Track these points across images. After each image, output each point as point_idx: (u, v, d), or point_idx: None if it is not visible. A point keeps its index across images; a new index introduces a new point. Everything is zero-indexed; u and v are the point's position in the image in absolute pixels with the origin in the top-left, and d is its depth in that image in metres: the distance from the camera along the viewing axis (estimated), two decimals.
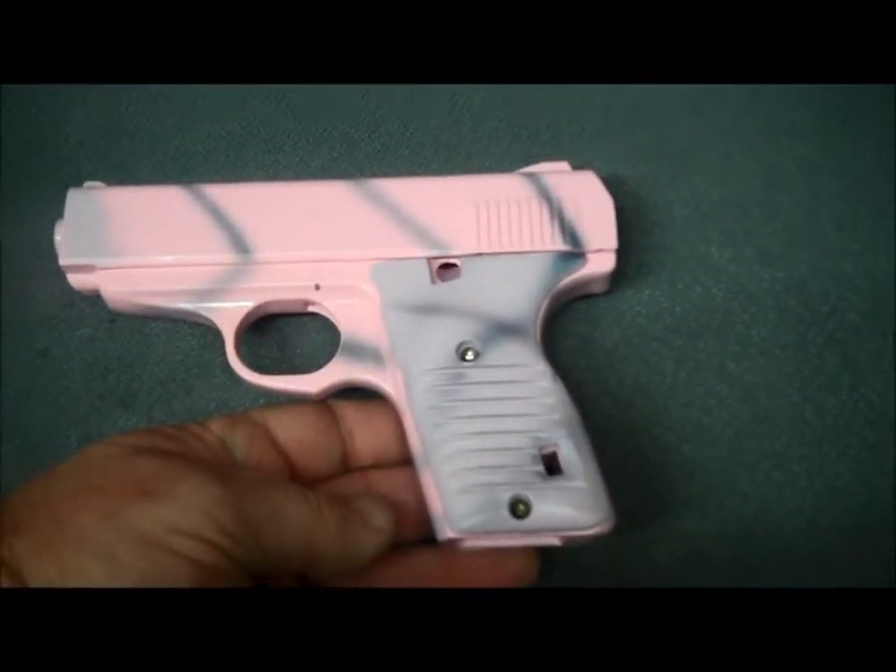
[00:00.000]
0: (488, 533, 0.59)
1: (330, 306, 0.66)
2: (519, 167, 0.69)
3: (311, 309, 0.68)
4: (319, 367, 0.65)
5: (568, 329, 0.69)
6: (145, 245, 0.65)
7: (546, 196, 0.65)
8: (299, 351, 0.70)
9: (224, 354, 0.66)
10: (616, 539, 0.63)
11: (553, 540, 0.60)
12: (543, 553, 0.63)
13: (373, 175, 0.70)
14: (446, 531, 0.59)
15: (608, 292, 0.69)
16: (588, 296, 0.69)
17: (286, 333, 0.70)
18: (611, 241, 0.65)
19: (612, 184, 0.67)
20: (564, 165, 0.68)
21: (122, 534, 0.52)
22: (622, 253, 0.66)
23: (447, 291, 0.63)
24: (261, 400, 0.68)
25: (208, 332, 0.68)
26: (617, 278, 0.68)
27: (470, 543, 0.60)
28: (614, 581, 0.65)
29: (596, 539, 0.60)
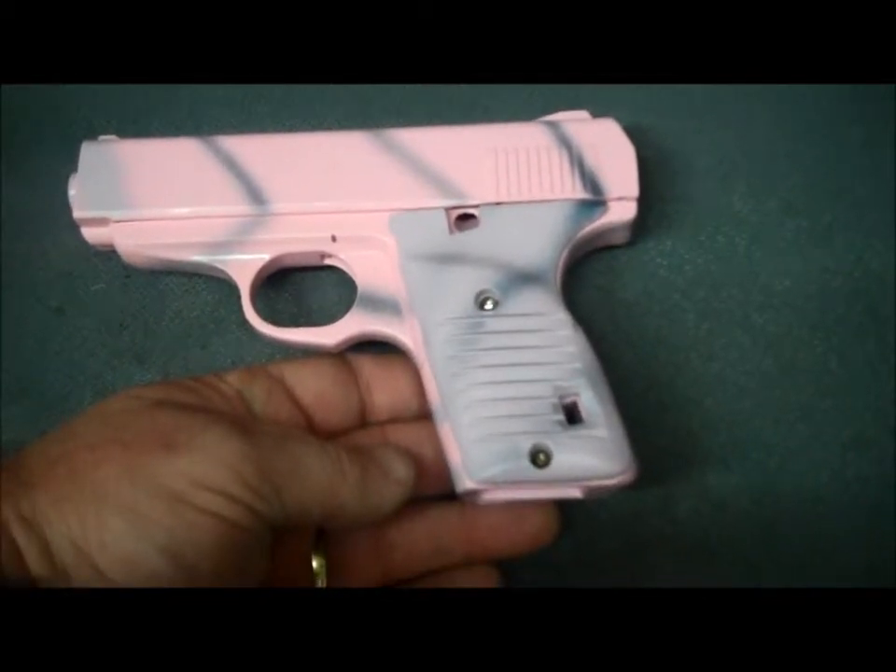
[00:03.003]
0: (508, 483, 0.60)
1: (347, 258, 0.67)
2: (538, 117, 0.70)
3: (327, 262, 0.69)
4: (336, 320, 0.66)
5: (589, 280, 0.70)
6: (159, 197, 0.66)
7: (566, 144, 0.66)
8: (315, 305, 0.71)
9: (240, 309, 0.67)
10: (637, 493, 0.65)
11: (575, 492, 0.61)
12: (563, 510, 0.64)
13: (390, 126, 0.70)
14: (465, 482, 0.60)
15: (629, 243, 0.70)
16: (609, 247, 0.70)
17: (302, 287, 0.71)
18: (633, 188, 0.66)
19: (634, 134, 0.68)
20: (584, 114, 0.69)
21: (145, 488, 0.53)
22: (643, 203, 0.67)
23: (466, 241, 0.64)
24: (277, 355, 0.70)
25: (224, 287, 0.70)
26: (638, 229, 0.69)
27: (490, 495, 0.61)
28: (634, 538, 0.66)
29: (618, 492, 0.61)
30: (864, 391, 0.68)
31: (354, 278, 0.67)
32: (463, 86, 0.75)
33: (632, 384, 0.68)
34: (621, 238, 0.69)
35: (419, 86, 0.75)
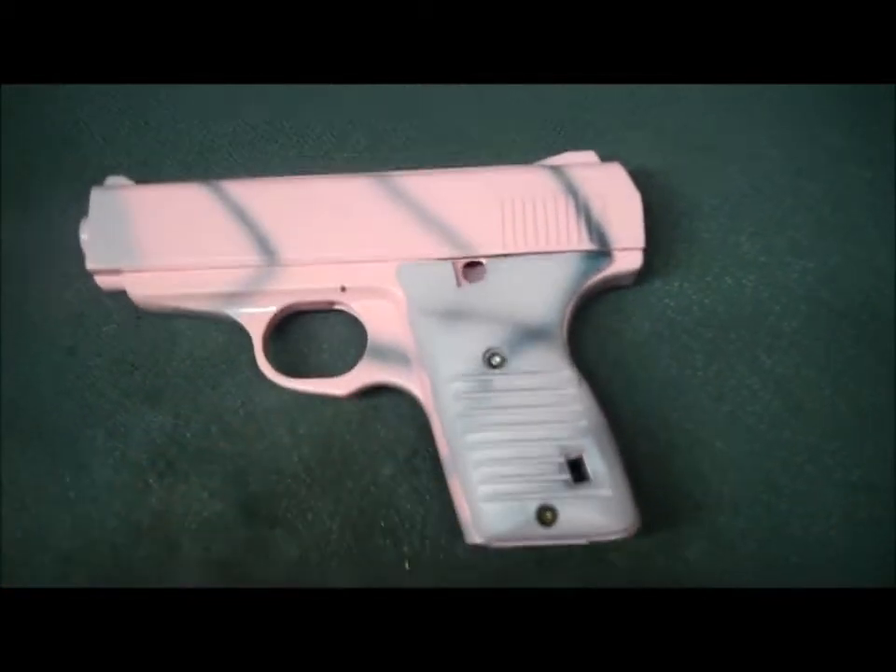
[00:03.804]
0: (516, 538, 0.62)
1: (357, 307, 0.68)
2: (545, 156, 0.70)
3: (337, 307, 0.69)
4: (346, 364, 0.69)
5: (597, 322, 0.71)
6: (170, 247, 0.68)
7: (572, 192, 0.67)
8: (325, 346, 0.72)
9: (250, 349, 0.69)
10: (647, 535, 0.66)
11: (580, 541, 0.63)
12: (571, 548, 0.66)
13: (398, 167, 0.71)
14: (475, 536, 0.62)
15: (636, 283, 0.70)
16: (616, 288, 0.71)
17: (311, 329, 0.72)
18: (639, 239, 0.67)
19: (640, 175, 0.69)
20: (591, 155, 0.70)
21: None
22: (649, 247, 0.68)
23: (473, 294, 0.65)
24: (286, 397, 0.70)
25: (234, 328, 0.71)
26: (646, 270, 0.70)
27: (498, 545, 0.63)
28: (644, 578, 0.67)
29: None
30: (872, 433, 0.69)
31: (365, 326, 0.68)
32: (472, 122, 0.76)
33: (642, 424, 0.69)
34: (626, 282, 0.70)
35: (429, 121, 0.76)
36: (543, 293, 0.65)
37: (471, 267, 0.67)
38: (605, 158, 0.70)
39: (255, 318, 0.68)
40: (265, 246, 0.67)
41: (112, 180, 0.71)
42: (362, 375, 0.67)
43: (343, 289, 0.67)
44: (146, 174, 0.73)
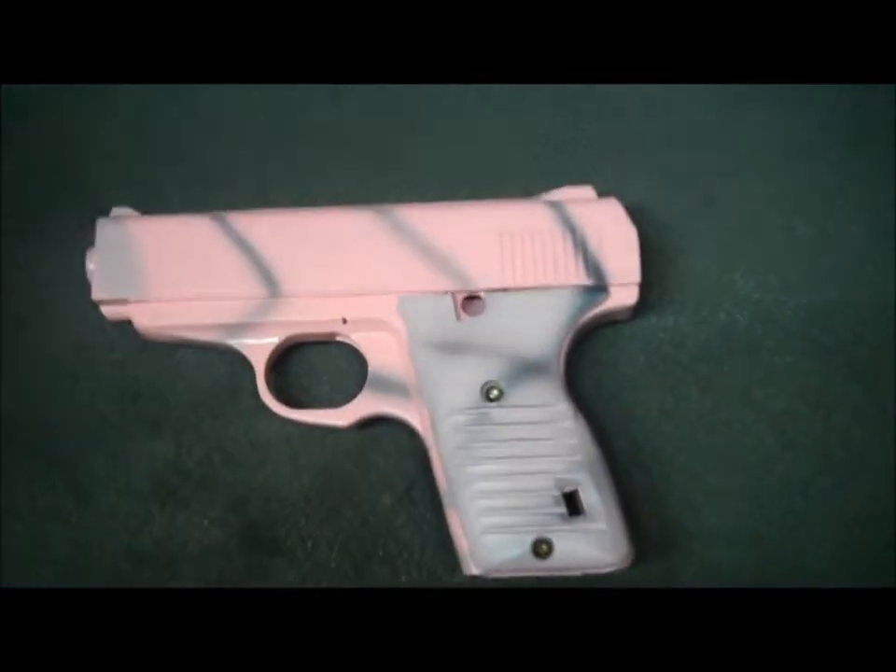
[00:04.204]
0: (512, 570, 0.63)
1: (358, 339, 0.70)
2: (544, 189, 0.72)
3: (339, 339, 0.71)
4: (347, 395, 0.70)
5: (593, 355, 0.73)
6: (175, 278, 0.69)
7: (570, 227, 0.68)
8: (326, 377, 0.73)
9: (252, 380, 0.70)
10: (640, 566, 0.67)
11: (575, 572, 0.64)
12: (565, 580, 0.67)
13: (399, 199, 0.73)
14: (472, 568, 0.64)
15: (632, 318, 0.72)
16: (613, 322, 0.72)
17: (312, 360, 0.73)
18: (635, 274, 0.68)
19: (637, 211, 0.71)
20: (588, 190, 0.71)
21: None
22: (645, 282, 0.69)
23: (472, 327, 0.67)
24: (289, 427, 0.72)
25: (237, 359, 0.72)
26: (641, 305, 0.71)
27: (495, 575, 0.64)
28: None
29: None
30: (864, 469, 0.70)
31: (366, 357, 0.69)
32: (474, 151, 0.77)
33: (636, 457, 0.71)
34: (622, 317, 0.71)
35: (430, 161, 0.78)
36: (541, 327, 0.67)
37: (471, 300, 0.68)
38: (602, 193, 0.71)
39: (257, 349, 0.69)
40: (268, 278, 0.69)
41: (117, 211, 0.72)
42: (362, 407, 0.68)
43: (345, 321, 0.69)
44: (146, 198, 0.75)
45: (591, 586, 0.66)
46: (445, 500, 0.65)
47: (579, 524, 0.63)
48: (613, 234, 0.68)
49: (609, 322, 0.72)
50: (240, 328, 0.69)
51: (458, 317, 0.67)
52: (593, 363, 0.72)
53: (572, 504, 0.63)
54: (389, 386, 0.68)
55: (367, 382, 0.69)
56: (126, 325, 0.72)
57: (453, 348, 0.66)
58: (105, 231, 0.70)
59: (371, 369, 0.69)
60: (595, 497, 0.63)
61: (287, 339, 0.70)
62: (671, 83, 0.76)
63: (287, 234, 0.69)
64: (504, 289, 0.68)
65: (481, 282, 0.68)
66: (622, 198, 0.71)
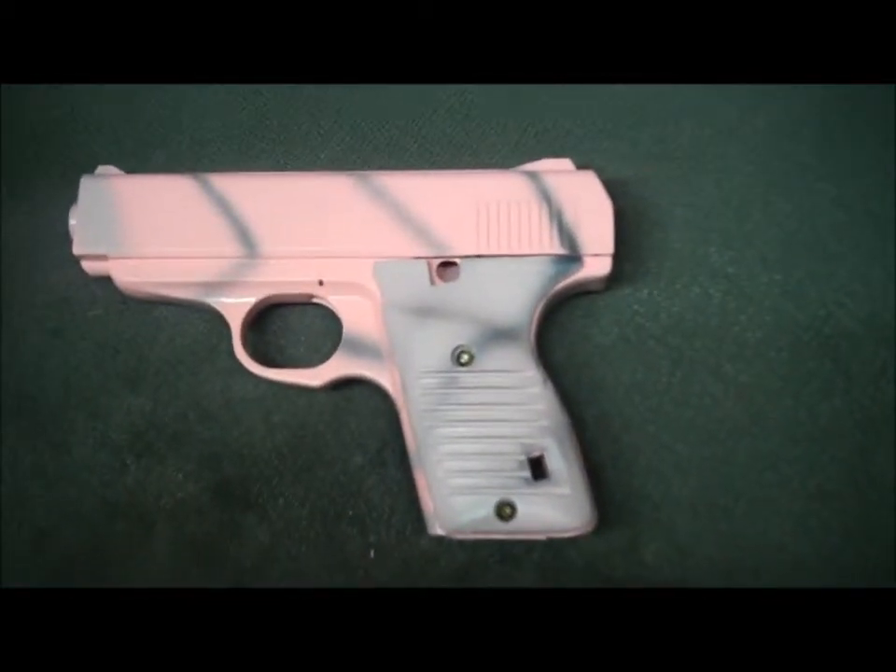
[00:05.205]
0: (475, 532, 0.64)
1: (334, 301, 0.71)
2: (523, 162, 0.73)
3: (315, 301, 0.72)
4: (321, 356, 0.71)
5: (567, 325, 0.74)
6: (155, 236, 0.70)
7: (546, 197, 0.69)
8: (302, 338, 0.75)
9: (230, 339, 0.71)
10: (605, 535, 0.69)
11: (538, 537, 0.66)
12: (530, 546, 0.68)
13: (381, 167, 0.74)
14: (436, 528, 0.65)
15: (607, 289, 0.73)
16: (587, 293, 0.73)
17: (289, 321, 0.75)
18: (608, 245, 0.69)
19: (614, 185, 0.72)
20: (567, 163, 0.72)
21: None
22: (621, 254, 0.71)
23: (446, 293, 0.68)
24: (263, 386, 0.73)
25: (215, 318, 0.73)
26: (616, 277, 0.72)
27: (459, 537, 0.66)
28: (601, 577, 0.70)
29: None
30: (830, 444, 0.71)
31: (341, 320, 0.70)
32: (453, 125, 0.79)
33: (606, 426, 0.72)
34: (596, 288, 0.72)
35: (410, 126, 0.79)
36: (514, 294, 0.68)
37: (445, 267, 0.69)
38: (580, 166, 0.72)
39: (234, 308, 0.71)
40: (246, 238, 0.70)
41: (102, 169, 0.73)
42: (336, 368, 0.70)
43: (321, 283, 0.70)
44: (134, 165, 0.76)
45: (588, 586, 0.68)
46: (413, 462, 0.66)
47: (542, 487, 0.64)
48: (589, 205, 0.69)
49: (583, 292, 0.73)
50: (217, 286, 0.70)
51: (433, 283, 0.68)
52: (566, 332, 0.74)
53: (538, 469, 0.64)
54: (363, 348, 0.69)
55: (341, 343, 0.70)
56: (107, 281, 0.73)
57: (426, 312, 0.67)
58: (88, 187, 0.71)
59: (345, 331, 0.70)
60: (559, 462, 0.64)
61: (264, 299, 0.71)
62: (666, 83, 0.77)
63: (267, 196, 0.71)
64: (478, 256, 0.68)
65: (455, 248, 0.69)
66: (601, 172, 0.71)
